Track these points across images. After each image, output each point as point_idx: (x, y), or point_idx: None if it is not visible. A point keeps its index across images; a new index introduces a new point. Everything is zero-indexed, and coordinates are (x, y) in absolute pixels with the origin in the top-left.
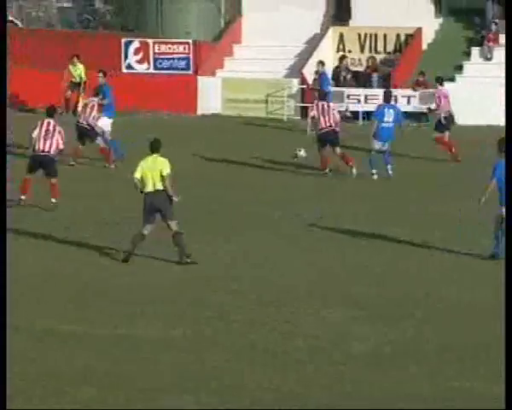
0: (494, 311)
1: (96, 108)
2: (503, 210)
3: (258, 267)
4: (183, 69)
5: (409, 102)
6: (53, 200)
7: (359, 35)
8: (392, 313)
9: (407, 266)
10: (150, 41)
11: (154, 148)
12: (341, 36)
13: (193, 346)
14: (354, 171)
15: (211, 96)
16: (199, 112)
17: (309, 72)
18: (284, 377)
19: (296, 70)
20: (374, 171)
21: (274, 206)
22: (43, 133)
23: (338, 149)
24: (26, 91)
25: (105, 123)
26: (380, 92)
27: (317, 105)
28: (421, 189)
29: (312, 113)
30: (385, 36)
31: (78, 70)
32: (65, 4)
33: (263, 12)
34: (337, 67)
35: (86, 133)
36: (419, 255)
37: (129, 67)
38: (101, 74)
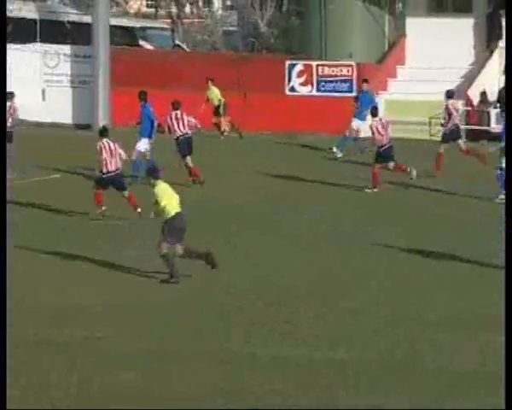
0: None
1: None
2: None
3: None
4: (346, 91)
5: None
6: (138, 210)
7: None
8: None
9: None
10: (314, 63)
11: (158, 175)
12: None
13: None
14: (414, 173)
15: None
16: (362, 134)
17: (474, 94)
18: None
19: (461, 92)
20: (503, 191)
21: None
22: (108, 154)
23: (392, 164)
24: (190, 114)
25: (142, 143)
26: None
27: (377, 123)
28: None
29: (378, 137)
30: None
31: (213, 93)
32: (230, 28)
33: (427, 33)
34: (503, 89)
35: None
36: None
37: (292, 89)
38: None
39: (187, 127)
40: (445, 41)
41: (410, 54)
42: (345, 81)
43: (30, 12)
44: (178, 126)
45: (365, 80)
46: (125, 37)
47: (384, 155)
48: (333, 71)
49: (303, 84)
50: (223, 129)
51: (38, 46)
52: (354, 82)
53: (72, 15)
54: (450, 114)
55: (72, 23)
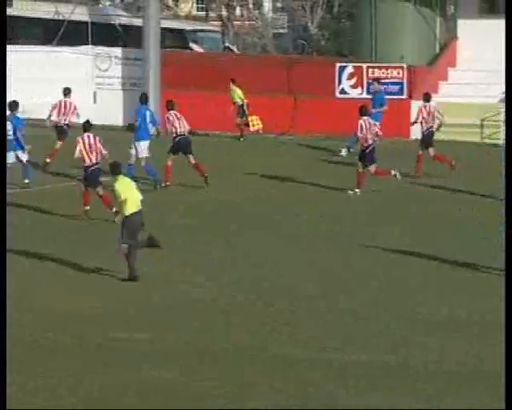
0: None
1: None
2: None
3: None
4: (396, 94)
5: None
6: (113, 209)
7: None
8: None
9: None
10: (364, 66)
11: (119, 170)
12: None
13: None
14: (398, 176)
15: None
16: (412, 136)
17: None
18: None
19: None
20: None
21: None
22: (87, 148)
23: (373, 167)
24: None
25: (141, 148)
26: None
27: (364, 121)
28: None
29: (359, 136)
30: None
31: (235, 93)
32: (280, 30)
33: (478, 35)
34: None
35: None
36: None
37: (342, 91)
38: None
39: (185, 128)
40: (496, 43)
41: (461, 56)
42: (396, 83)
43: (82, 15)
44: (179, 126)
45: (377, 80)
46: (175, 39)
47: (368, 157)
48: (383, 73)
49: (353, 87)
50: (255, 129)
51: (90, 49)
52: (405, 84)
53: (124, 18)
54: (422, 117)
55: (124, 26)
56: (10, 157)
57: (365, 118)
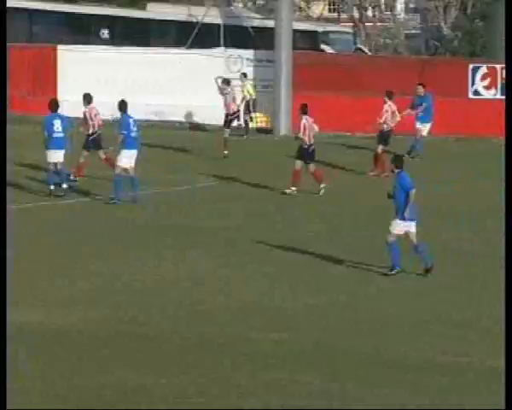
0: None
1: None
2: None
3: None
4: None
5: None
6: None
7: None
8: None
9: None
10: (498, 66)
11: None
12: None
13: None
14: (322, 190)
15: None
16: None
17: None
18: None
19: None
20: None
21: None
22: None
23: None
24: (371, 118)
25: (120, 156)
26: None
27: (307, 121)
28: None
29: (305, 133)
30: None
31: (245, 88)
32: (412, 31)
33: None
34: None
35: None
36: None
37: (476, 92)
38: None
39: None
40: None
41: None
42: None
43: (214, 17)
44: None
45: (421, 84)
46: (306, 41)
47: (309, 155)
48: None
49: (487, 88)
50: (259, 126)
51: (222, 51)
52: None
53: (255, 20)
54: (386, 117)
55: (255, 28)
56: (56, 157)
57: (306, 117)
